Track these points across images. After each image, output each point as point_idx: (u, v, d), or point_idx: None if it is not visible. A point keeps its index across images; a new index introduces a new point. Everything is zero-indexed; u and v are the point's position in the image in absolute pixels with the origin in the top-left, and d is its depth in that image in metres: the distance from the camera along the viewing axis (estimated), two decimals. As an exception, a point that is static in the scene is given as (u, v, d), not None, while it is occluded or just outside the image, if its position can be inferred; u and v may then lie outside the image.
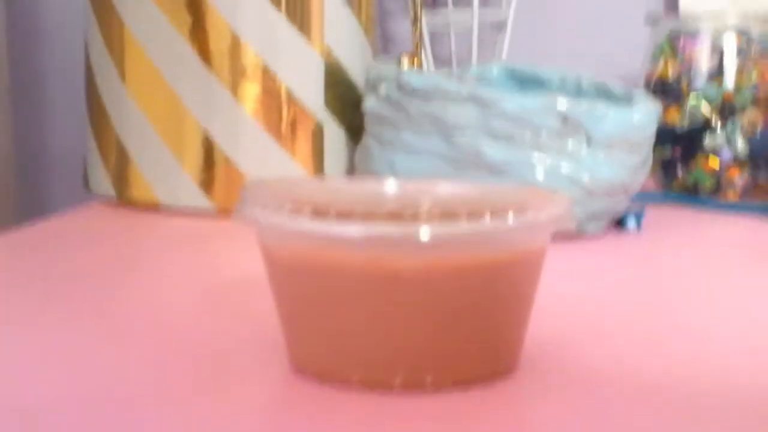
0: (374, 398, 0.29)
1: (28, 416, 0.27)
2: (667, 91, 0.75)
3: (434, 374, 0.29)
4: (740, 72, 0.73)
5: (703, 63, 0.74)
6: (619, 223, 0.61)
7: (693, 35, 0.75)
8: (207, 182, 0.63)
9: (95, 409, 0.27)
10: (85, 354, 0.33)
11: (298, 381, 0.30)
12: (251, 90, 0.63)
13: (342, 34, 0.66)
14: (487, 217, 0.29)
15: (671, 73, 0.75)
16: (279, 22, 0.63)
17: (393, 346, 0.29)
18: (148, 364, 0.32)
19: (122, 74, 0.65)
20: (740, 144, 0.72)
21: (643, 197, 0.73)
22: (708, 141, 0.73)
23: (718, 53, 0.74)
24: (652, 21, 0.78)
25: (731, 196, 0.73)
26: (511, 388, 0.30)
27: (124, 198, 0.66)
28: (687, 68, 0.75)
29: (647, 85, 0.77)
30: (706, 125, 0.73)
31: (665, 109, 0.75)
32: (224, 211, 0.64)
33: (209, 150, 0.63)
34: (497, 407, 0.28)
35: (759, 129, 0.72)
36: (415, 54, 0.74)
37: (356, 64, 0.68)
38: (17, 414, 0.27)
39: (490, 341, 0.30)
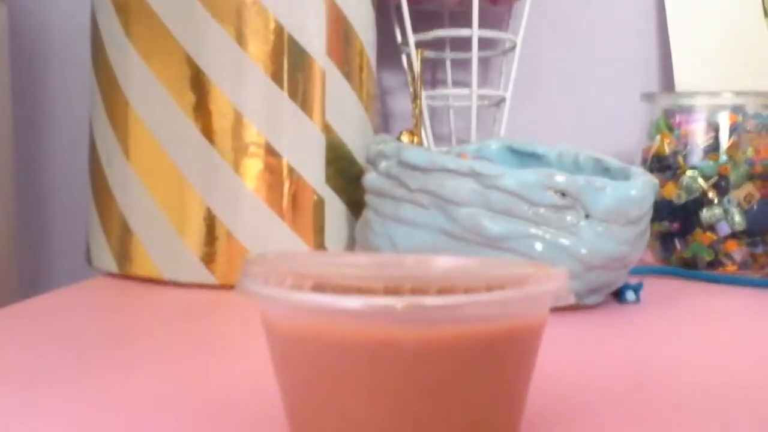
0: (374, 470, 0.29)
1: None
2: (663, 166, 0.76)
3: (434, 447, 0.29)
4: (736, 148, 0.74)
5: (699, 139, 0.75)
6: (618, 295, 0.61)
7: (689, 112, 0.76)
8: (209, 257, 0.63)
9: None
10: (86, 426, 0.33)
11: (298, 454, 0.30)
12: (253, 166, 0.64)
13: (342, 112, 0.67)
14: (486, 291, 0.29)
15: (668, 149, 0.76)
16: (281, 100, 0.64)
17: (393, 418, 0.29)
18: (149, 438, 0.32)
19: (126, 151, 0.66)
20: (737, 218, 0.73)
21: (642, 270, 0.73)
22: (705, 215, 0.73)
23: (714, 129, 0.75)
24: (649, 98, 0.79)
25: (729, 268, 0.74)
26: (511, 461, 0.30)
27: (126, 273, 0.66)
28: (683, 144, 0.76)
29: (644, 161, 0.78)
30: (703, 200, 0.74)
31: (663, 184, 0.75)
32: (226, 285, 0.64)
33: (211, 225, 0.63)
34: (497, 480, 0.28)
35: (755, 203, 0.73)
36: (414, 131, 0.75)
37: (356, 140, 0.69)
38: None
39: (490, 413, 0.30)
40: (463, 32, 0.84)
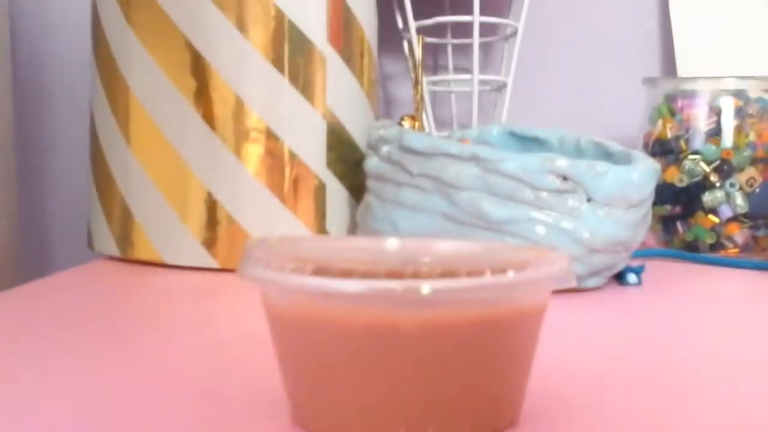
0: (376, 453, 0.29)
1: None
2: (665, 150, 0.76)
3: (435, 429, 0.30)
4: (738, 132, 0.74)
5: (701, 123, 0.75)
6: (620, 277, 0.61)
7: (690, 96, 0.76)
8: (210, 241, 0.63)
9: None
10: (88, 407, 0.33)
11: (300, 437, 0.30)
12: (254, 151, 0.64)
13: (344, 97, 0.67)
14: (488, 274, 0.29)
15: (670, 133, 0.76)
16: (281, 86, 0.64)
17: (394, 401, 0.29)
18: (150, 418, 0.32)
19: (127, 136, 0.66)
20: (739, 201, 0.73)
21: (644, 253, 0.73)
22: (707, 198, 0.73)
23: (716, 114, 0.75)
24: (650, 83, 0.79)
25: (731, 251, 0.74)
26: (513, 443, 0.30)
27: (128, 257, 0.66)
28: (685, 129, 0.75)
29: (646, 146, 0.78)
30: (705, 183, 0.74)
31: (664, 168, 0.75)
32: (228, 269, 0.64)
33: (212, 209, 0.63)
34: (499, 462, 0.28)
35: (757, 186, 0.73)
36: (416, 116, 0.75)
37: (358, 125, 0.69)
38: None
39: (491, 396, 0.30)
40: (464, 18, 0.84)
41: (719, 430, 0.31)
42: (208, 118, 0.63)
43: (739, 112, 0.74)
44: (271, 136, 0.64)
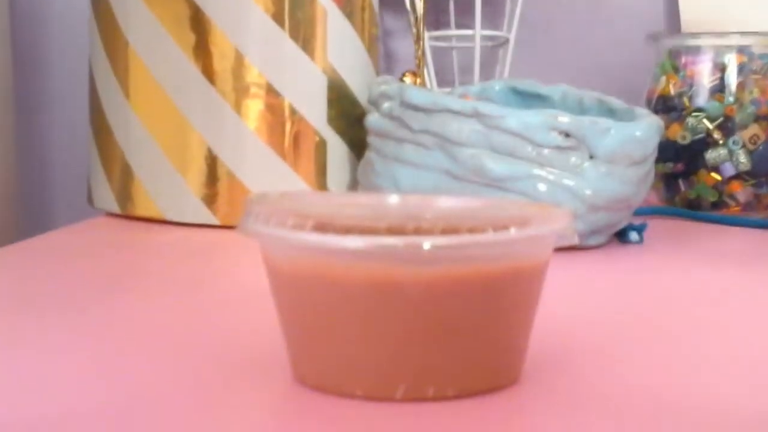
0: (376, 409, 0.29)
1: (31, 429, 0.27)
2: (669, 107, 0.75)
3: (436, 386, 0.29)
4: (742, 88, 0.74)
5: (705, 80, 0.75)
6: (621, 235, 0.61)
7: (694, 52, 0.75)
8: (210, 197, 0.63)
9: (97, 421, 0.27)
10: (88, 365, 0.33)
11: (300, 392, 0.30)
12: (254, 107, 0.63)
13: (345, 52, 0.66)
14: (489, 231, 0.29)
15: (673, 90, 0.76)
16: (282, 40, 0.63)
17: (394, 358, 0.29)
18: (150, 375, 0.32)
19: (126, 91, 0.65)
20: (742, 159, 0.72)
21: (646, 211, 0.73)
22: (710, 156, 0.73)
23: (720, 70, 0.74)
24: (654, 39, 0.78)
25: (733, 209, 0.74)
26: (514, 401, 0.30)
27: (128, 213, 0.66)
28: (689, 85, 0.75)
29: (649, 102, 0.78)
30: (708, 140, 0.73)
31: (667, 125, 0.75)
32: (228, 226, 0.64)
33: (213, 166, 0.63)
34: (499, 419, 0.28)
35: (760, 144, 0.73)
36: (417, 72, 0.74)
37: (359, 80, 0.68)
38: (20, 428, 0.27)
39: (492, 353, 0.30)
40: (466, -29, 0.83)
41: (721, 384, 0.31)
42: (208, 72, 0.63)
43: (743, 69, 0.74)
44: (271, 91, 0.63)
